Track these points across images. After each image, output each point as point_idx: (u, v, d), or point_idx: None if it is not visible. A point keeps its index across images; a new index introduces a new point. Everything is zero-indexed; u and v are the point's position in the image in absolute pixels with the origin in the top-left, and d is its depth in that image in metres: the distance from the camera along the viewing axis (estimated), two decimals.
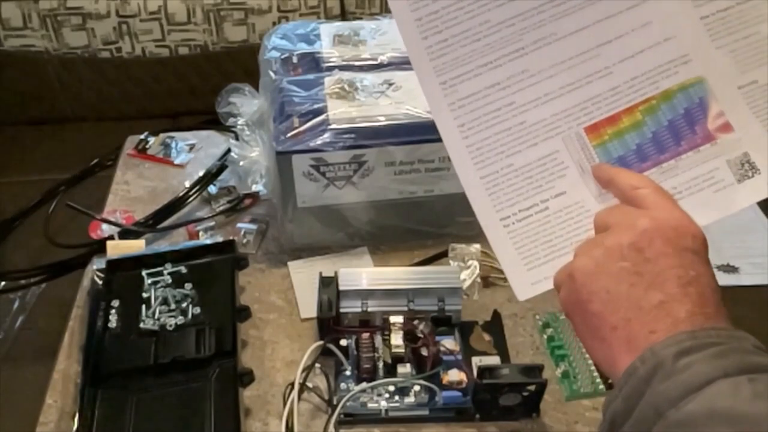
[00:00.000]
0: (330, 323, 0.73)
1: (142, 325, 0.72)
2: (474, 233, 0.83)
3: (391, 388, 0.69)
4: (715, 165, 0.49)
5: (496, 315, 0.77)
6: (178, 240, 0.88)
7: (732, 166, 0.49)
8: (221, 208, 0.91)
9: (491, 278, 0.81)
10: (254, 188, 0.88)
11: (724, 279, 1.24)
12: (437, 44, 0.50)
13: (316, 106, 0.79)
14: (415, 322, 0.72)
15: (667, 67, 0.50)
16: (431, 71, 0.50)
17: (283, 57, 0.87)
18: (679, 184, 0.49)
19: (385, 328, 0.72)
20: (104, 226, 0.89)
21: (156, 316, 0.73)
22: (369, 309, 0.73)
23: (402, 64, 0.84)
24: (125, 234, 0.87)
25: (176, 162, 1.01)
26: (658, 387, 0.36)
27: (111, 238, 0.86)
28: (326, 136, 0.76)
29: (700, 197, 0.49)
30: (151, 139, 1.04)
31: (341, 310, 0.73)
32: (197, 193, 0.92)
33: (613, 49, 0.50)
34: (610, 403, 0.38)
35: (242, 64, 1.60)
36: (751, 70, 0.50)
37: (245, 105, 0.86)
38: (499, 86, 0.50)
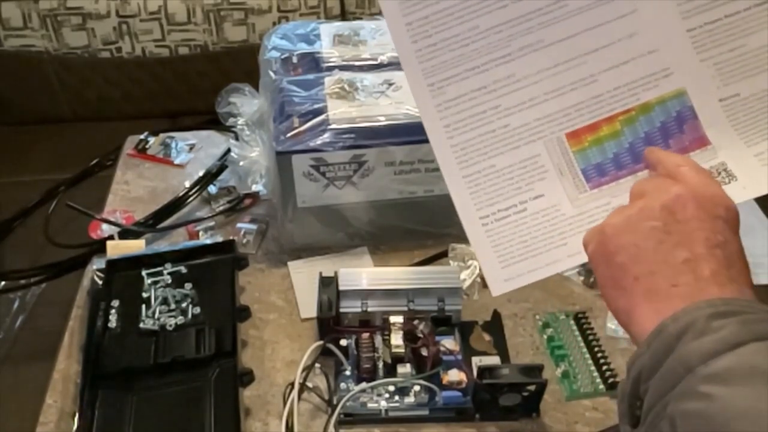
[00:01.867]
0: (330, 323, 0.73)
1: (142, 325, 0.72)
2: None
3: (391, 388, 0.69)
4: None
5: (496, 315, 0.77)
6: (178, 240, 0.88)
7: None
8: (221, 208, 0.91)
9: None
10: (254, 188, 0.88)
11: None
12: (426, 48, 0.51)
13: (316, 106, 0.79)
14: (415, 322, 0.72)
15: (649, 79, 0.51)
16: (420, 73, 0.51)
17: (283, 57, 0.87)
18: None
19: (385, 328, 0.72)
20: (104, 226, 0.89)
21: (156, 316, 0.73)
22: (369, 309, 0.73)
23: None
24: (125, 234, 0.87)
25: (176, 162, 1.01)
26: (690, 344, 0.36)
27: (111, 238, 0.86)
28: (326, 136, 0.76)
29: None
30: (151, 139, 1.04)
31: (341, 310, 0.73)
32: (197, 193, 0.92)
33: (599, 58, 0.51)
34: (637, 359, 0.39)
35: (242, 64, 1.60)
36: (734, 83, 0.50)
37: (245, 105, 0.86)
38: (485, 90, 0.51)
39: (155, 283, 0.76)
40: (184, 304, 0.74)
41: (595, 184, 0.50)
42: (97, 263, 0.80)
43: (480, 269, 0.81)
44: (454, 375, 0.69)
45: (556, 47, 0.50)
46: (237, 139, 0.86)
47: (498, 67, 0.51)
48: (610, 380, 0.71)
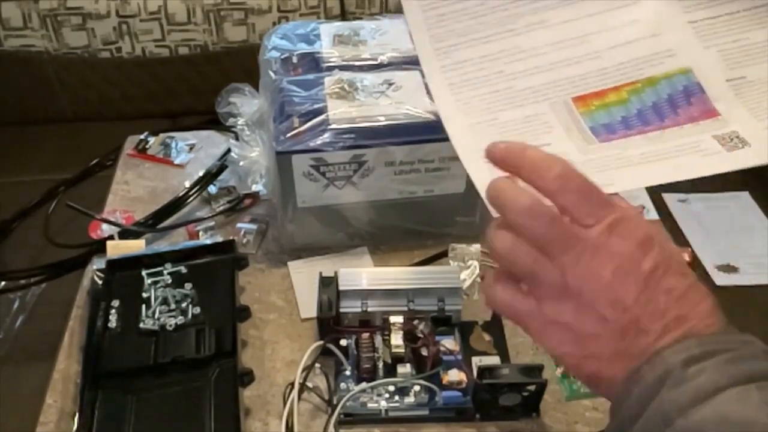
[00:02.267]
0: (330, 323, 0.73)
1: (142, 325, 0.72)
2: (474, 233, 0.83)
3: (391, 388, 0.69)
4: (701, 138, 0.49)
5: (496, 315, 0.77)
6: (178, 240, 0.88)
7: (719, 139, 0.49)
8: (221, 208, 0.91)
9: None
10: (254, 188, 0.88)
11: (724, 279, 1.23)
12: (435, 17, 0.53)
13: (316, 106, 0.78)
14: (415, 322, 0.72)
15: (653, 57, 0.51)
16: (427, 39, 0.52)
17: (283, 57, 0.87)
18: (667, 149, 0.49)
19: (385, 328, 0.72)
20: (104, 226, 0.89)
21: (156, 316, 0.73)
22: (369, 309, 0.73)
23: (402, 64, 0.84)
24: (125, 234, 0.87)
25: (176, 162, 1.01)
26: (667, 394, 0.36)
27: (111, 238, 0.86)
28: (326, 136, 0.76)
29: (687, 159, 0.49)
30: (151, 139, 1.04)
31: (341, 310, 0.73)
32: (197, 193, 0.92)
33: (602, 38, 0.51)
34: (619, 407, 0.38)
35: (242, 64, 1.60)
36: (740, 68, 0.50)
37: (245, 105, 0.86)
38: (490, 57, 0.52)
39: (155, 283, 0.76)
40: (184, 304, 0.74)
41: (604, 138, 0.50)
42: (97, 263, 0.80)
43: (478, 270, 0.81)
44: (454, 375, 0.69)
45: (560, 27, 0.52)
46: (237, 139, 0.86)
47: (503, 39, 0.52)
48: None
